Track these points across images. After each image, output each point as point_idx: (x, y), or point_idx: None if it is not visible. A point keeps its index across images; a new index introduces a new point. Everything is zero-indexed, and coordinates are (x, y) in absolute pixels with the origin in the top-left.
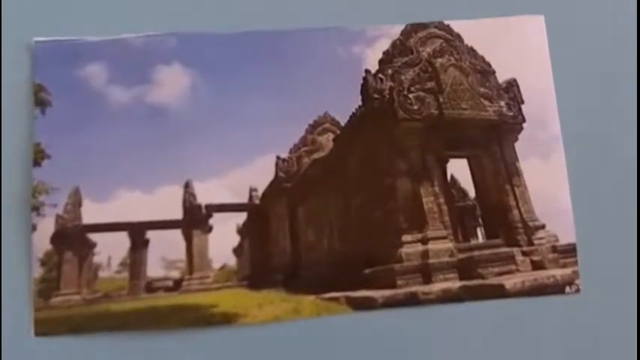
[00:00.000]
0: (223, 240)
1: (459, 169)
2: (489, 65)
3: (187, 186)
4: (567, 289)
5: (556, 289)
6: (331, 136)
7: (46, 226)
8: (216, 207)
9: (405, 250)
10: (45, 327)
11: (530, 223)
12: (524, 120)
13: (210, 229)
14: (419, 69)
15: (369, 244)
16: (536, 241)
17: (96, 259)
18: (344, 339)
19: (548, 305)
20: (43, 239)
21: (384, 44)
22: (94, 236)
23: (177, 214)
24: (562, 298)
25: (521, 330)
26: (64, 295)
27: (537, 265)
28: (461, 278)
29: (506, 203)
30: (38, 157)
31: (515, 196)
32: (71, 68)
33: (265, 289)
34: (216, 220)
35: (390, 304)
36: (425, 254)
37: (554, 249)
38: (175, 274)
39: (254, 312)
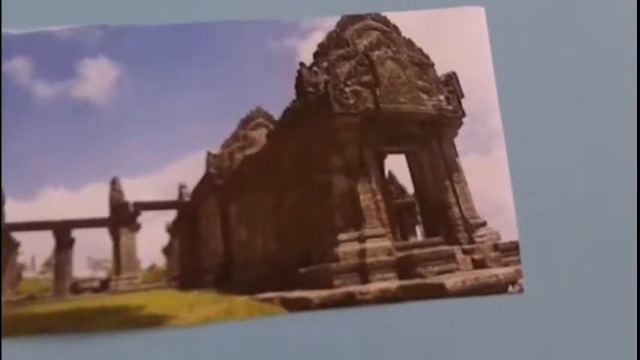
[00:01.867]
0: (152, 239)
1: (397, 165)
2: (428, 58)
3: (114, 183)
4: (510, 288)
5: (498, 288)
6: (265, 131)
7: None
8: (144, 205)
9: (341, 248)
10: None
11: (471, 221)
12: (464, 114)
13: (138, 227)
14: (355, 62)
15: (305, 243)
16: (477, 239)
17: (20, 259)
18: (278, 341)
19: (490, 305)
20: None
21: (319, 37)
22: (17, 235)
23: (104, 212)
24: (505, 297)
25: (463, 331)
26: None
27: (479, 264)
28: (400, 277)
29: (445, 200)
30: None
31: (455, 192)
32: None
33: (196, 289)
34: (144, 218)
35: (326, 304)
36: (362, 253)
37: (495, 247)
38: (102, 274)
39: (184, 313)
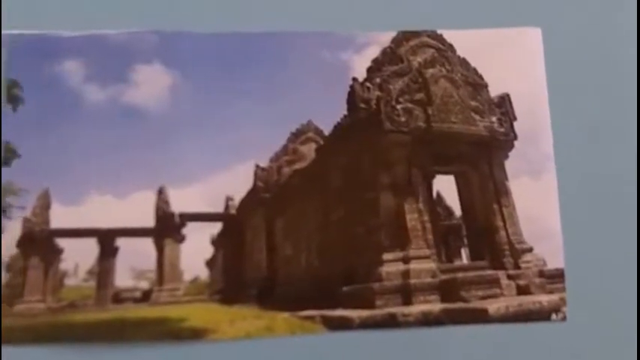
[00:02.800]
0: (196, 251)
1: (445, 186)
2: (482, 78)
3: (161, 192)
4: (553, 316)
5: (542, 315)
6: (314, 145)
7: (13, 230)
8: (190, 216)
9: (385, 268)
10: (10, 335)
11: (518, 246)
12: (515, 137)
13: (182, 238)
14: (408, 79)
15: (349, 261)
16: (522, 265)
17: (63, 265)
18: (318, 359)
19: (532, 332)
20: (9, 243)
21: (374, 52)
22: (61, 241)
23: (150, 221)
24: (547, 325)
25: (504, 357)
26: (28, 302)
27: (523, 290)
28: (442, 300)
29: (493, 224)
30: (8, 156)
31: (502, 216)
32: (45, 64)
33: (238, 304)
34: (189, 229)
35: (367, 324)
36: (406, 274)
37: (541, 273)
38: (144, 284)
39: (225, 327)
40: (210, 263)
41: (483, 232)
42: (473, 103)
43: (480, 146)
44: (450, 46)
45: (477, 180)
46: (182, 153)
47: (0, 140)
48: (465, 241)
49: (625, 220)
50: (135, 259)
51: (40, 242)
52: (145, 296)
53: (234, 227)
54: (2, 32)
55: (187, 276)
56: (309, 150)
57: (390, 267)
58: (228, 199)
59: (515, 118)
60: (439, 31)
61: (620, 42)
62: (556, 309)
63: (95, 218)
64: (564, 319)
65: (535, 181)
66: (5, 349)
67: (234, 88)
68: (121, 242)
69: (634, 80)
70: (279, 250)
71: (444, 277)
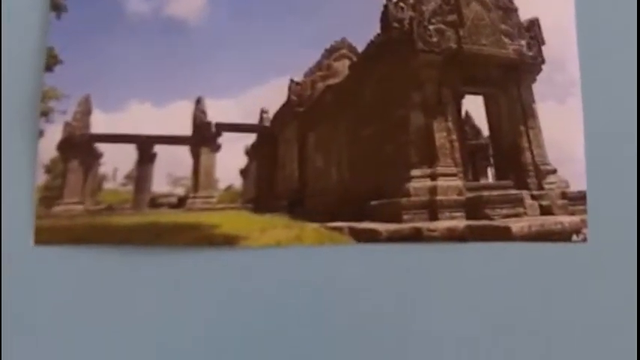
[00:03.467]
0: (231, 160)
1: (474, 106)
2: (512, 2)
3: (198, 102)
4: (574, 237)
5: (563, 236)
6: (347, 62)
7: (54, 133)
8: (226, 126)
9: (413, 184)
10: (45, 236)
11: (542, 167)
12: (543, 61)
13: (218, 147)
14: (441, 1)
15: (378, 176)
16: (546, 186)
17: (102, 169)
18: (344, 269)
19: (553, 252)
20: (49, 146)
21: None
22: (101, 146)
23: (187, 130)
24: (568, 245)
25: (525, 275)
26: (66, 204)
27: (546, 210)
28: (467, 217)
29: (519, 145)
30: (51, 61)
31: (528, 138)
32: None
33: (269, 213)
34: (225, 139)
35: (393, 238)
36: (433, 190)
37: (563, 195)
38: (180, 191)
39: (256, 235)
40: (243, 173)
41: (509, 153)
42: (503, 27)
43: (509, 69)
44: None
45: (505, 101)
46: (220, 65)
47: (44, 46)
48: (491, 160)
49: None
50: (172, 166)
51: (80, 146)
52: (181, 202)
53: (268, 139)
54: None
55: (221, 184)
56: (342, 66)
57: (418, 183)
58: (263, 111)
59: (543, 43)
60: None
61: None
62: (577, 230)
63: (134, 125)
64: (585, 240)
65: (561, 105)
66: (43, 249)
67: (271, 4)
68: (158, 149)
69: None
70: (310, 163)
71: (469, 194)
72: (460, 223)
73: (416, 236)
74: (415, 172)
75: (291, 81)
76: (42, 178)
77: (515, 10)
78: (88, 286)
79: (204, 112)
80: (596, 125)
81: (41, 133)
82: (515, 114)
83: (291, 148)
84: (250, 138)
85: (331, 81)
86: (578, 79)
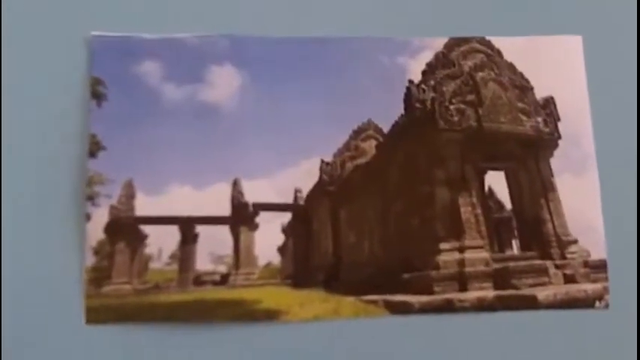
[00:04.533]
0: (269, 238)
1: (496, 181)
2: (528, 82)
3: (236, 184)
4: (597, 303)
5: (586, 302)
6: (374, 142)
7: (100, 216)
8: (262, 205)
9: (442, 257)
10: (96, 315)
11: (564, 238)
12: (559, 137)
13: (256, 226)
14: (460, 82)
15: (408, 250)
16: (568, 255)
17: (147, 250)
18: (381, 341)
19: (577, 318)
20: (96, 229)
21: (428, 56)
22: (146, 228)
23: (226, 210)
24: (591, 312)
25: (551, 341)
26: (115, 284)
27: (569, 279)
28: (495, 288)
29: (541, 217)
30: (94, 148)
31: (549, 210)
32: (127, 64)
33: (307, 288)
34: (262, 218)
35: (426, 309)
36: (461, 262)
37: (585, 264)
38: (222, 268)
39: (296, 310)
40: (281, 250)
41: (532, 225)
42: (520, 105)
43: (528, 145)
44: (498, 51)
45: (525, 176)
46: (254, 148)
47: (87, 133)
48: (515, 232)
49: None
50: (213, 245)
51: (126, 228)
52: (223, 279)
53: (303, 217)
54: (89, 33)
55: (261, 261)
56: (369, 146)
57: (447, 256)
58: (297, 191)
59: (559, 119)
60: (487, 38)
61: None
62: (599, 297)
63: (176, 207)
64: (607, 306)
65: (578, 178)
66: (92, 329)
67: (299, 89)
68: (200, 229)
69: None
70: (343, 239)
71: (496, 265)
72: (489, 293)
73: (447, 307)
74: (444, 246)
75: (322, 161)
76: (90, 260)
77: (531, 89)
78: None
79: (241, 193)
80: (612, 196)
81: (88, 217)
82: (535, 187)
83: (325, 225)
84: (286, 216)
85: (359, 161)
86: (594, 152)
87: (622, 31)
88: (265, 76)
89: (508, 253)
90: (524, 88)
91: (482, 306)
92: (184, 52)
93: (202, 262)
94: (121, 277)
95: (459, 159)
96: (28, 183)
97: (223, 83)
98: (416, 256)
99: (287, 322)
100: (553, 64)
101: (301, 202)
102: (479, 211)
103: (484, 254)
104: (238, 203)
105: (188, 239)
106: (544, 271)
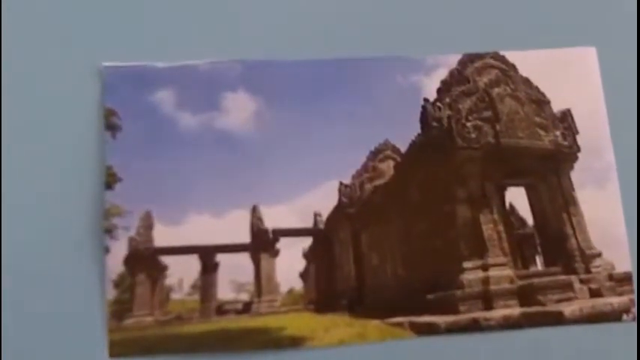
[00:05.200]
0: (290, 264)
1: (517, 197)
2: (544, 95)
3: (254, 210)
4: (624, 316)
5: (613, 316)
6: (392, 163)
7: (119, 249)
8: (282, 231)
9: (466, 276)
10: (119, 348)
11: (587, 252)
12: (579, 149)
13: (277, 253)
14: (476, 98)
15: (431, 270)
16: (593, 269)
17: (168, 281)
18: None
19: (605, 332)
20: (116, 261)
21: (442, 73)
22: (165, 259)
23: (246, 237)
24: (619, 325)
25: (580, 357)
26: (137, 316)
27: (595, 293)
28: (521, 305)
29: (563, 232)
30: (110, 180)
31: (572, 224)
32: (140, 93)
33: (331, 313)
34: (282, 244)
35: (452, 329)
36: (486, 280)
37: (610, 277)
38: (245, 296)
39: (320, 335)
40: (303, 275)
41: (555, 240)
42: (537, 119)
43: (547, 159)
44: (513, 66)
45: (546, 191)
46: (271, 174)
47: (103, 165)
48: (539, 248)
49: None
50: (234, 273)
51: (145, 260)
52: (246, 307)
53: (324, 241)
54: (100, 64)
55: (283, 288)
56: (387, 167)
57: (471, 275)
58: (317, 214)
59: (577, 132)
60: (501, 53)
61: None
62: (626, 310)
63: (195, 236)
64: (634, 319)
65: (600, 191)
66: None
67: (314, 113)
68: (220, 257)
69: None
70: (365, 261)
71: (521, 282)
72: (514, 310)
73: (474, 326)
74: (467, 265)
75: (341, 184)
76: (111, 293)
77: (548, 102)
78: None
79: (260, 220)
80: (635, 207)
81: (107, 250)
82: (556, 202)
83: (346, 249)
84: (307, 241)
85: (378, 182)
86: (614, 163)
87: (635, 40)
88: (279, 101)
89: (532, 269)
90: (540, 102)
91: (508, 324)
92: (197, 79)
93: (224, 291)
94: (143, 309)
95: (479, 176)
96: (45, 219)
97: (238, 109)
98: (440, 276)
99: (312, 348)
100: (568, 77)
101: (321, 226)
102: (501, 228)
103: (508, 271)
104: (258, 230)
105: (209, 268)
106: (569, 286)
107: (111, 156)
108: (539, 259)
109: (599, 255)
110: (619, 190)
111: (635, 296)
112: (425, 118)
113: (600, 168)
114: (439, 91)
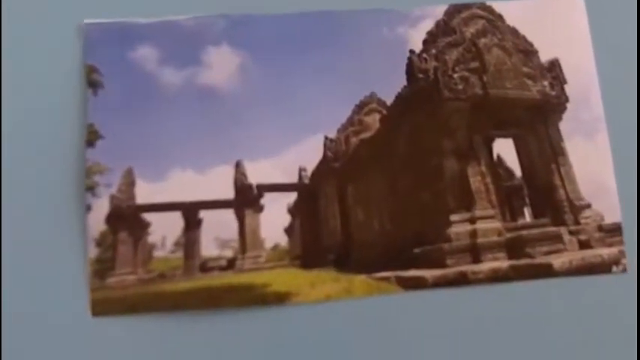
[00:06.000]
0: (275, 220)
1: (505, 148)
2: (531, 45)
3: (238, 166)
4: (614, 268)
5: (603, 268)
6: (378, 116)
7: (101, 207)
8: (267, 187)
9: (453, 229)
10: (101, 307)
11: (577, 203)
12: (567, 100)
13: (261, 208)
14: (462, 49)
15: (418, 224)
16: (582, 221)
17: (150, 238)
18: (395, 318)
19: (595, 284)
20: (98, 219)
21: (428, 25)
22: (148, 216)
23: (229, 193)
24: (609, 277)
25: (570, 308)
26: (119, 275)
27: (584, 245)
28: (509, 257)
29: (552, 183)
30: (92, 137)
31: (560, 175)
32: (122, 50)
33: (317, 268)
34: (267, 199)
35: (439, 283)
36: (473, 233)
37: (600, 228)
38: (229, 253)
39: (306, 291)
40: (288, 231)
41: (544, 191)
42: (525, 69)
43: (535, 110)
44: (500, 16)
45: (534, 142)
46: (255, 129)
47: (84, 123)
48: (527, 200)
49: None
50: (218, 230)
51: (127, 217)
52: (230, 264)
53: (309, 196)
54: (82, 21)
55: (268, 244)
56: (373, 120)
57: (458, 227)
58: (301, 169)
59: (565, 82)
60: (488, 3)
61: None
62: (616, 261)
63: (178, 193)
64: (625, 270)
65: (589, 141)
66: (99, 321)
67: (298, 66)
68: (204, 214)
69: None
70: (352, 216)
71: (509, 235)
72: (503, 263)
73: (461, 280)
74: (454, 217)
75: (326, 138)
76: (93, 252)
77: (536, 52)
78: (147, 353)
79: (244, 175)
80: (624, 157)
81: (89, 208)
82: (545, 153)
83: (332, 203)
84: (291, 196)
85: (364, 135)
86: (603, 114)
87: None
88: (263, 55)
89: (520, 221)
90: (528, 51)
91: (496, 277)
92: (180, 34)
93: (208, 248)
94: (125, 268)
95: (466, 128)
96: (26, 176)
97: (222, 64)
98: (427, 230)
99: (298, 304)
100: (556, 26)
101: (306, 181)
102: (488, 180)
103: (496, 224)
104: (242, 185)
105: (192, 225)
106: (558, 238)
107: (93, 113)
108: (527, 211)
109: (588, 206)
110: (608, 141)
111: (625, 247)
112: (411, 70)
113: (589, 119)
114: (425, 42)
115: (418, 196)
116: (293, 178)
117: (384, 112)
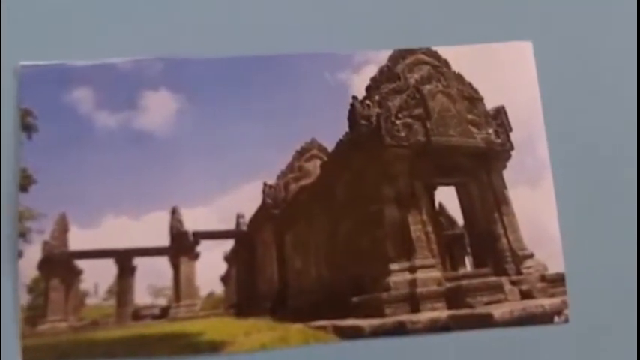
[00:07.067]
0: (210, 267)
1: (447, 196)
2: (477, 92)
3: (174, 212)
4: (556, 318)
5: (545, 318)
6: (318, 162)
7: (33, 253)
8: (203, 234)
9: (392, 278)
10: (33, 354)
11: (519, 252)
12: (512, 147)
13: (197, 255)
14: (406, 95)
15: (357, 272)
16: (524, 270)
17: (83, 285)
18: None
19: (536, 335)
20: (30, 265)
21: (372, 70)
22: (80, 263)
23: (164, 240)
24: (551, 327)
25: (511, 359)
26: (51, 322)
27: (526, 295)
28: (449, 307)
29: (494, 232)
30: (25, 182)
31: (503, 224)
32: (58, 92)
33: (252, 316)
34: (203, 247)
35: (377, 332)
36: (413, 283)
37: (542, 278)
38: (162, 301)
39: (241, 340)
40: (224, 278)
41: (485, 240)
42: (470, 117)
43: (479, 157)
44: (445, 61)
45: (477, 190)
46: (193, 174)
47: (17, 167)
48: (469, 249)
49: (623, 222)
50: (152, 277)
51: (60, 264)
52: (164, 312)
53: (246, 243)
54: (17, 63)
55: (203, 291)
56: (314, 167)
57: (397, 276)
58: (239, 216)
59: (511, 129)
60: (434, 48)
61: (608, 53)
62: (558, 312)
63: (112, 239)
64: (566, 321)
65: (533, 189)
66: None
67: (238, 110)
68: (138, 261)
69: (621, 88)
70: (289, 264)
71: (449, 284)
72: (442, 313)
73: (400, 329)
74: (394, 266)
75: (265, 185)
76: (25, 298)
77: (481, 99)
78: None
79: (180, 222)
80: (569, 206)
81: (20, 254)
82: (487, 202)
83: (270, 251)
84: (228, 244)
85: (304, 182)
86: (548, 161)
87: (572, 34)
88: (201, 99)
89: (461, 270)
90: (473, 98)
91: (435, 327)
92: (117, 77)
93: (141, 296)
94: (57, 315)
95: (408, 175)
96: None
97: (159, 108)
98: (365, 278)
99: (232, 353)
100: (503, 72)
101: (244, 228)
102: (430, 228)
103: (436, 273)
104: (177, 232)
105: (125, 272)
106: (499, 288)
107: (26, 157)
108: (468, 261)
109: (530, 256)
110: (553, 189)
111: (567, 298)
112: (353, 116)
113: (534, 166)
114: (368, 88)
115: (357, 243)
116: (230, 225)
117: (325, 158)
